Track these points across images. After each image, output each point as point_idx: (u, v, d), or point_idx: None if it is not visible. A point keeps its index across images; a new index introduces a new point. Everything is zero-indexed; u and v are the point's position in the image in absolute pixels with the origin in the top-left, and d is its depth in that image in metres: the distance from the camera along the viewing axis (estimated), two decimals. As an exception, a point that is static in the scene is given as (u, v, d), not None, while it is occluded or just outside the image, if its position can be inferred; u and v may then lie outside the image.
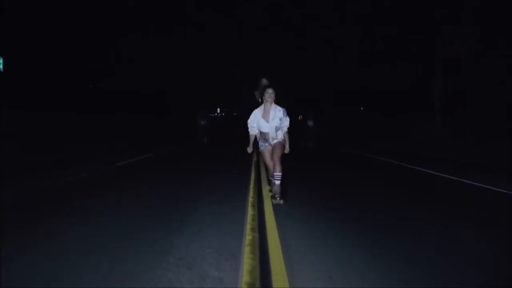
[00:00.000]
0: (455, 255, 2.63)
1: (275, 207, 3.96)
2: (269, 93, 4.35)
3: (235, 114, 39.44)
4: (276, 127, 4.38)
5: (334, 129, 21.14)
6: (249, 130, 4.57)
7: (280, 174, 4.27)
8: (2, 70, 12.91)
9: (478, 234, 3.14)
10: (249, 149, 4.55)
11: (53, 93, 15.67)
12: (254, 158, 8.22)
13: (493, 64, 11.84)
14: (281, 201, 4.17)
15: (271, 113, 4.37)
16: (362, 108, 24.54)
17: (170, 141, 15.52)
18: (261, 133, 4.51)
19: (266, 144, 4.47)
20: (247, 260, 2.41)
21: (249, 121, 4.56)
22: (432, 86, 14.89)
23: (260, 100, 4.49)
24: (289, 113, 4.47)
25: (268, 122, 4.36)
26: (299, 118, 27.97)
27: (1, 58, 12.83)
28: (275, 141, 4.42)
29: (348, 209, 4.05)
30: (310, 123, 14.65)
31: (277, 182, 4.29)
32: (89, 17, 17.04)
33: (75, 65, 16.87)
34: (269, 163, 4.46)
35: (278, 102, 4.42)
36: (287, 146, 4.42)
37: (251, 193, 4.66)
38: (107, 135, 14.16)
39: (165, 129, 21.04)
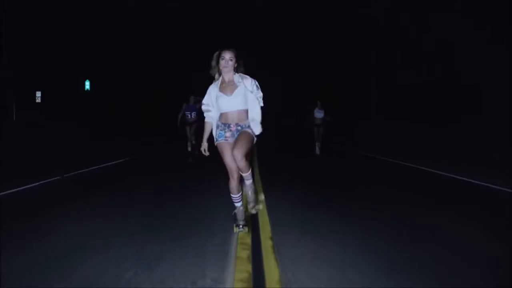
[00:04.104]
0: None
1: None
2: (226, 59, 2.83)
3: None
4: (242, 103, 2.87)
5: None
6: (205, 116, 3.04)
7: (248, 173, 2.90)
8: (89, 89, 15.79)
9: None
10: (204, 149, 2.99)
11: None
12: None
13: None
14: (259, 207, 3.02)
15: (234, 83, 2.91)
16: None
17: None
18: (220, 116, 2.96)
19: (226, 134, 2.87)
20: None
21: (203, 102, 3.01)
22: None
23: (218, 75, 2.97)
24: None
25: (230, 96, 2.86)
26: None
27: (88, 81, 15.79)
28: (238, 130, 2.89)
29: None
30: (319, 114, 9.79)
31: (248, 182, 2.95)
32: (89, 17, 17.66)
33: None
34: (232, 165, 2.83)
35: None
36: (258, 129, 2.96)
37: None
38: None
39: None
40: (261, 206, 3.03)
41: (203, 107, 3.02)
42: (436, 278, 2.09)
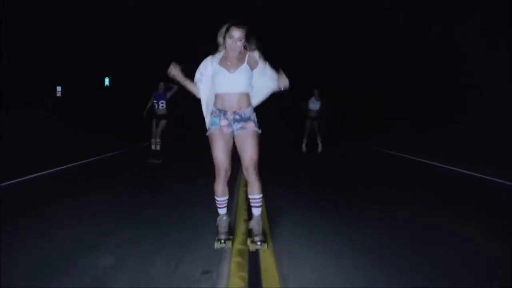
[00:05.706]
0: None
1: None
2: (234, 39, 2.26)
3: None
4: (245, 85, 2.32)
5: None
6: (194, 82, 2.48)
7: (261, 196, 2.36)
8: (108, 85, 17.73)
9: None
10: (175, 71, 2.39)
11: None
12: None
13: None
14: (264, 246, 2.31)
15: (240, 58, 2.34)
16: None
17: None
18: (215, 99, 2.38)
19: (221, 123, 2.31)
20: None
21: (197, 73, 2.43)
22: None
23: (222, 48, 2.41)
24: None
25: (233, 73, 2.30)
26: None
27: (107, 78, 17.63)
28: (240, 125, 2.30)
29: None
30: (314, 106, 8.52)
31: (257, 212, 2.39)
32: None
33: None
34: (222, 163, 2.30)
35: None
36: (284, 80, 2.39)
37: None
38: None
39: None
40: (265, 246, 2.31)
41: (196, 79, 2.44)
42: (436, 278, 2.10)
